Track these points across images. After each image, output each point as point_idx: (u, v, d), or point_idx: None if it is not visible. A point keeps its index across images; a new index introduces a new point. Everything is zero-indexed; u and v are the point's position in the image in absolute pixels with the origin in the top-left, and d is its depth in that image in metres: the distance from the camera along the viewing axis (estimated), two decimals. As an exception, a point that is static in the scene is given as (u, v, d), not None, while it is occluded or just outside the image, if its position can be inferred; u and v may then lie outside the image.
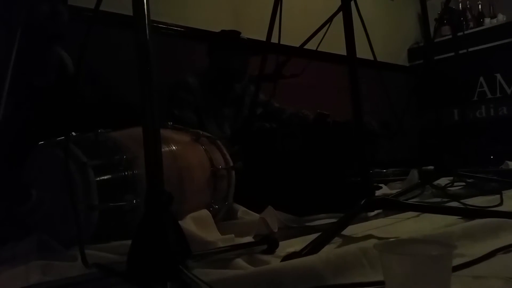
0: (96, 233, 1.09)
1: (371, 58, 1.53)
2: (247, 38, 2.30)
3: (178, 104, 2.16)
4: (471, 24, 3.96)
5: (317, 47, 1.39)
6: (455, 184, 1.94)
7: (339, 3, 1.25)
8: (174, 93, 2.19)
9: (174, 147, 1.30)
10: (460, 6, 4.03)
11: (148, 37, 0.72)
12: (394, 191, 1.90)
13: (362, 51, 1.38)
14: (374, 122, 3.00)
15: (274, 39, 1.34)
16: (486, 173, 2.14)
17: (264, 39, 1.32)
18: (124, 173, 1.15)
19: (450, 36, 3.67)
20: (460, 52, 3.32)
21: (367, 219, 1.44)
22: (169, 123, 1.44)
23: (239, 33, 2.30)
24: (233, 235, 1.15)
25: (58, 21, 1.43)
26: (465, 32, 3.61)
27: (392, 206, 1.29)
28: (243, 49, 2.26)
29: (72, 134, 1.16)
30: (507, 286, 0.74)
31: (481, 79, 3.70)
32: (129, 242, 0.72)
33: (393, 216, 1.45)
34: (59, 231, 1.10)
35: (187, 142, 1.40)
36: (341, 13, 1.25)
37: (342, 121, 1.85)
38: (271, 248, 1.03)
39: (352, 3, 1.26)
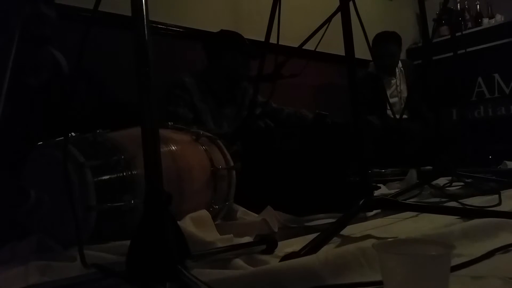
0: (94, 233, 1.09)
1: (370, 58, 1.54)
2: (248, 39, 2.31)
3: (174, 101, 2.16)
4: (470, 24, 3.97)
5: (315, 47, 1.39)
6: (454, 184, 1.94)
7: (337, 3, 1.25)
8: (170, 91, 2.19)
9: (173, 147, 1.30)
10: (459, 6, 4.04)
11: (147, 37, 0.72)
12: (392, 191, 1.89)
13: (361, 52, 1.38)
14: (376, 119, 3.02)
15: (273, 39, 1.34)
16: (484, 173, 2.14)
17: (263, 39, 1.32)
18: (123, 174, 1.15)
19: (449, 36, 3.67)
20: (459, 52, 3.32)
21: (366, 219, 1.44)
22: (169, 123, 1.43)
23: (242, 36, 2.31)
24: (232, 235, 1.15)
25: (42, 23, 1.43)
26: (464, 32, 3.61)
27: (390, 206, 1.29)
28: (249, 53, 2.26)
29: (71, 134, 1.16)
30: (506, 286, 0.74)
31: (480, 79, 3.71)
32: (128, 242, 0.72)
33: (392, 216, 1.45)
34: (58, 232, 1.09)
35: (187, 142, 1.40)
36: (339, 13, 1.25)
37: (341, 121, 1.86)
38: (270, 248, 1.03)
39: (351, 3, 1.26)
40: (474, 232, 1.04)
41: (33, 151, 1.20)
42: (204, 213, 1.28)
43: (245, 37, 2.33)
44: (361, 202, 1.17)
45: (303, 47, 1.42)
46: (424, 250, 0.64)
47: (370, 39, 1.46)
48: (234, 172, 1.45)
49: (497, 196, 1.56)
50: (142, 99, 0.72)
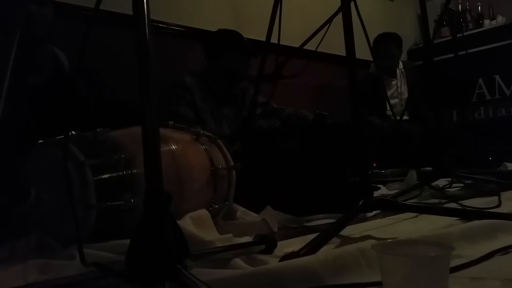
0: (94, 232, 1.09)
1: (370, 59, 1.54)
2: (249, 39, 2.30)
3: (175, 101, 2.16)
4: (471, 26, 3.97)
5: (316, 48, 1.39)
6: (454, 185, 1.94)
7: (338, 3, 1.25)
8: (171, 91, 2.19)
9: (173, 147, 1.30)
10: (460, 7, 4.04)
11: (148, 36, 0.72)
12: (392, 192, 1.90)
13: (362, 52, 1.38)
14: (376, 119, 3.02)
15: (274, 39, 1.34)
16: (484, 174, 2.14)
17: (264, 39, 1.32)
18: (123, 173, 1.15)
19: (450, 38, 3.68)
20: (460, 53, 3.33)
21: (366, 219, 1.44)
22: (169, 122, 1.43)
23: (241, 34, 2.30)
24: (231, 235, 1.15)
25: (32, 24, 1.43)
26: (465, 33, 3.62)
27: (390, 206, 1.29)
28: (249, 51, 2.26)
29: (71, 133, 1.16)
30: (505, 287, 0.74)
31: (480, 80, 3.71)
32: (127, 241, 0.72)
33: (391, 216, 1.45)
34: (58, 230, 1.10)
35: (187, 142, 1.40)
36: (340, 13, 1.25)
37: (341, 121, 1.86)
38: (270, 248, 1.03)
39: (352, 3, 1.26)
40: (474, 233, 1.04)
41: (34, 150, 1.20)
42: (203, 212, 1.28)
43: (245, 37, 2.33)
44: (360, 202, 1.17)
45: (304, 47, 1.42)
46: (423, 251, 0.64)
47: (371, 39, 1.45)
48: (234, 172, 1.46)
49: (496, 197, 1.56)
50: (143, 98, 0.72)
